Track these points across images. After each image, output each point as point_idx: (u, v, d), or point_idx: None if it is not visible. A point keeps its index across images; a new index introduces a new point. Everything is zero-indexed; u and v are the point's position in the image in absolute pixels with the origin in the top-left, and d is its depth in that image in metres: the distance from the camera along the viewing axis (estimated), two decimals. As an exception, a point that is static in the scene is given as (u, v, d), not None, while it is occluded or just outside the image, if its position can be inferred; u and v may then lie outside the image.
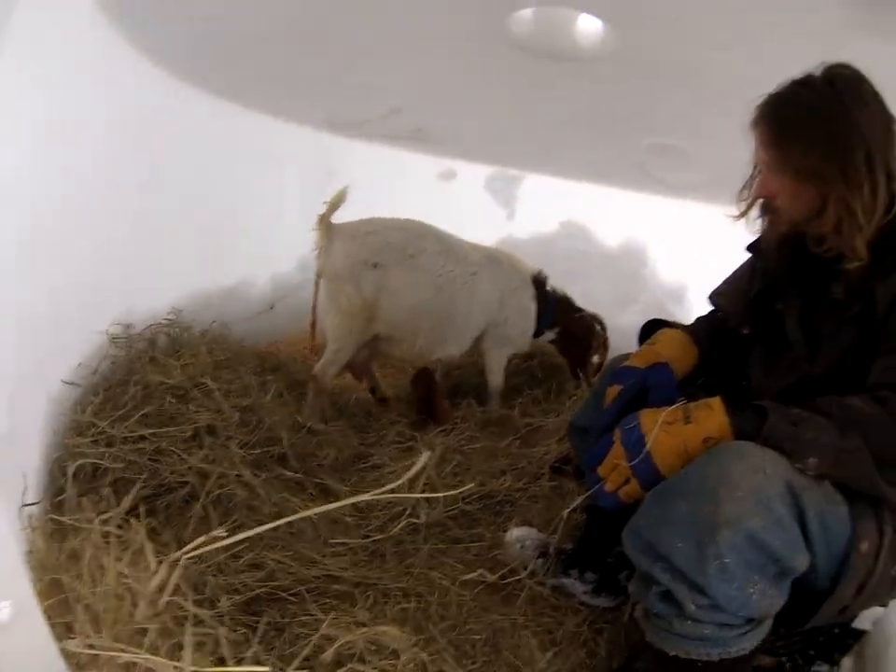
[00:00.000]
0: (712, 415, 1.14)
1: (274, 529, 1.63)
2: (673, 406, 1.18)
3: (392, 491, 1.17)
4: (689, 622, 1.05)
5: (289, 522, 1.67)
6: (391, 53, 2.24)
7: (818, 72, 1.19)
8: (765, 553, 1.01)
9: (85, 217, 1.88)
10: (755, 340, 1.41)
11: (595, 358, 2.70)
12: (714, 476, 1.04)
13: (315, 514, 1.54)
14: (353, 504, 1.83)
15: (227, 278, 2.83)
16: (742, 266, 1.54)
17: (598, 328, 2.72)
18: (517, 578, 1.59)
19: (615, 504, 1.22)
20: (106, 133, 1.98)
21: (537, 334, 2.68)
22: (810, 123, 1.16)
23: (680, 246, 3.03)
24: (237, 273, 2.89)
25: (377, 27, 2.07)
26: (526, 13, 2.00)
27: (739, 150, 1.28)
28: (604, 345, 2.72)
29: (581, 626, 1.49)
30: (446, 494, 1.64)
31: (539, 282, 2.66)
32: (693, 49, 1.85)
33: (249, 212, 2.87)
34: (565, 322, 2.70)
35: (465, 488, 1.66)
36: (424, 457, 1.20)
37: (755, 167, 1.29)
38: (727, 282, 1.58)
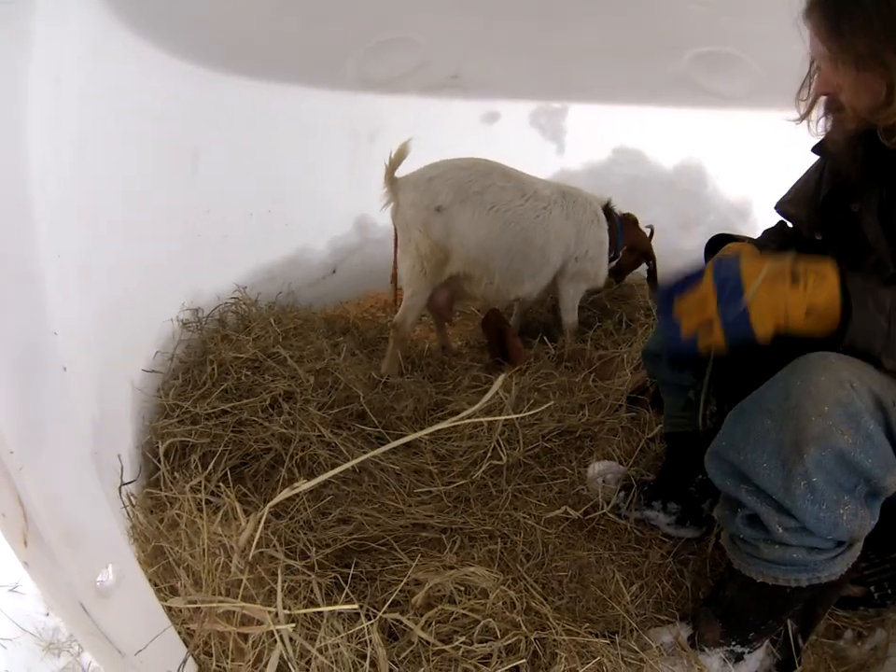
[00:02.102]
0: (824, 285, 1.01)
1: (359, 484, 1.71)
2: (779, 259, 1.03)
3: (469, 416, 1.15)
4: (776, 546, 1.03)
5: (373, 476, 1.75)
6: (416, 3, 2.17)
7: None
8: (855, 472, 0.96)
9: (141, 215, 1.94)
10: (829, 246, 1.31)
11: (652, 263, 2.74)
12: (798, 390, 0.98)
13: (380, 454, 1.55)
14: (434, 452, 1.89)
15: (287, 249, 2.88)
16: (809, 170, 1.43)
17: (650, 233, 2.75)
18: (600, 513, 1.60)
19: (690, 351, 1.10)
20: (153, 130, 2.02)
21: (611, 260, 2.64)
22: (868, 4, 1.03)
23: (740, 160, 2.85)
24: (296, 242, 2.94)
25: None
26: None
27: (792, 47, 1.16)
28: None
29: (666, 558, 1.48)
30: (520, 415, 1.63)
31: (608, 212, 2.61)
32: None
33: (299, 182, 2.89)
34: (632, 241, 2.67)
35: (540, 408, 1.62)
36: (499, 380, 1.17)
37: (812, 62, 1.18)
38: (794, 188, 1.47)
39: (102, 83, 1.77)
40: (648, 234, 2.76)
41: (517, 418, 1.65)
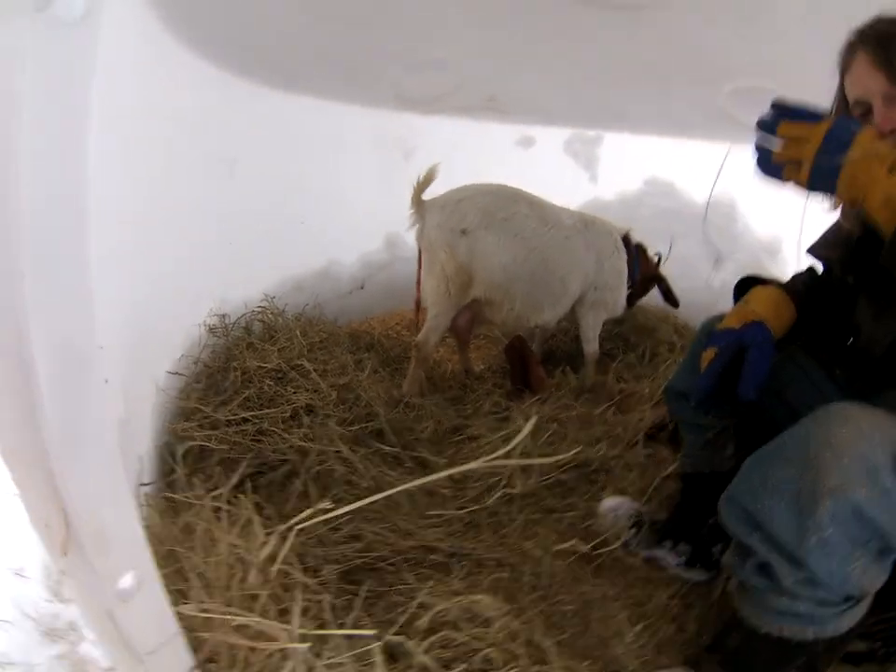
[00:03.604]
0: None
1: (372, 502, 1.72)
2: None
3: (493, 460, 1.17)
4: (785, 597, 1.02)
5: (387, 495, 1.77)
6: (453, 24, 2.22)
7: None
8: (869, 528, 0.95)
9: (173, 219, 2.00)
10: (861, 288, 1.31)
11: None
12: (818, 441, 0.98)
13: (414, 487, 1.59)
14: (449, 475, 1.90)
15: (316, 261, 2.94)
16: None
17: (657, 260, 2.80)
18: (609, 548, 1.59)
19: (774, 173, 1.10)
20: (180, 140, 2.08)
21: (628, 289, 2.69)
22: None
23: (772, 198, 2.83)
24: (326, 255, 3.00)
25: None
26: (587, -38, 1.91)
27: (829, 84, 1.18)
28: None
29: (672, 600, 1.47)
30: (542, 461, 1.64)
31: (626, 242, 2.65)
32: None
33: (332, 196, 2.96)
34: (643, 270, 2.71)
35: (563, 456, 1.65)
36: (528, 425, 1.18)
37: (839, 107, 1.19)
38: (826, 233, 1.47)
39: (150, 91, 1.84)
40: (656, 262, 2.81)
41: (540, 463, 1.65)
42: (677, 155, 3.04)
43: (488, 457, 0.95)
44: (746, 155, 2.78)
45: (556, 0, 1.96)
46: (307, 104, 2.72)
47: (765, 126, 1.10)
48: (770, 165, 1.09)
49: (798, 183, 1.07)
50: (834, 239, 1.41)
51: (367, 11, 2.10)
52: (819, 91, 1.16)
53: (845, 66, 1.17)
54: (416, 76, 2.68)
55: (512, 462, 1.70)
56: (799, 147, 1.05)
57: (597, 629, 1.37)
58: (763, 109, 1.13)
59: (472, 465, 1.14)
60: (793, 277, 1.53)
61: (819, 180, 1.04)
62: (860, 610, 1.03)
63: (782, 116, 1.09)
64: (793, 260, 1.58)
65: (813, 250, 1.49)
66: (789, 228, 2.49)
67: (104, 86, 1.54)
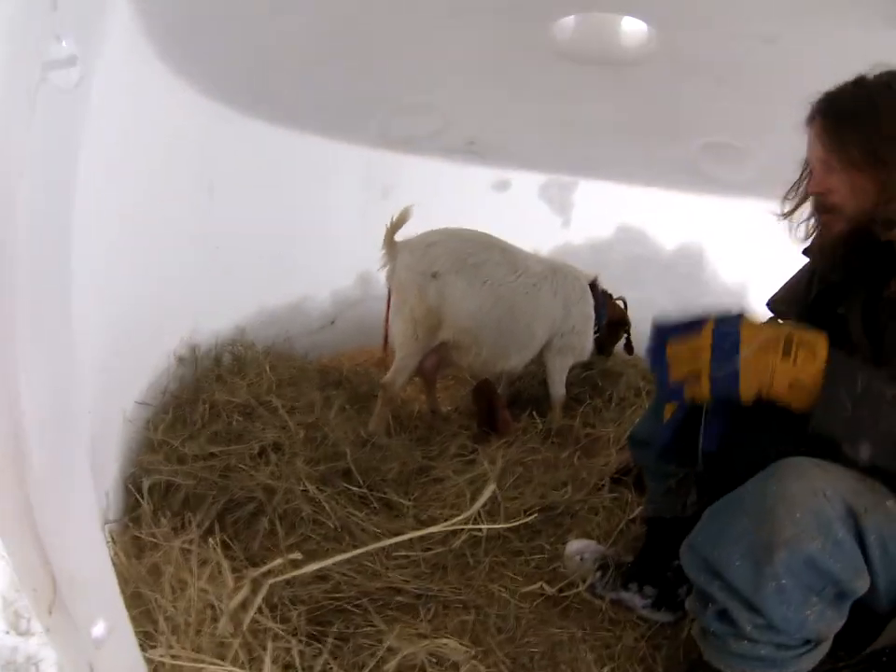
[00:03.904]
0: (812, 363, 1.05)
1: (339, 542, 1.72)
2: (777, 328, 1.09)
3: (459, 522, 1.18)
4: (745, 641, 1.05)
5: (353, 535, 1.76)
6: (439, 69, 2.30)
7: (871, 75, 1.18)
8: (824, 576, 0.99)
9: (148, 246, 1.99)
10: None
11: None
12: (773, 495, 1.03)
13: (387, 545, 1.58)
14: (416, 517, 1.90)
15: (288, 296, 2.95)
16: (801, 270, 1.49)
17: (623, 305, 2.87)
18: (576, 591, 1.60)
19: (677, 397, 1.15)
20: (163, 165, 2.09)
21: (594, 333, 2.73)
22: (869, 113, 1.15)
23: (739, 247, 2.97)
24: (298, 290, 3.01)
25: (424, 44, 2.13)
26: (569, 20, 2.01)
27: (795, 143, 1.28)
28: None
29: (640, 641, 1.48)
30: (507, 525, 1.66)
31: (593, 287, 2.71)
32: (739, 43, 1.82)
33: (308, 230, 2.98)
34: (609, 315, 2.77)
35: (525, 519, 1.67)
36: (489, 489, 1.20)
37: (805, 167, 1.28)
38: (785, 287, 1.53)
39: (133, 117, 1.84)
40: (622, 307, 2.88)
41: (503, 528, 1.67)
42: (648, 203, 3.16)
43: (458, 518, 0.97)
44: (715, 206, 2.91)
45: (540, 53, 2.05)
46: (290, 136, 2.76)
47: (654, 353, 1.17)
48: (669, 388, 1.14)
49: (701, 397, 1.12)
50: (792, 297, 1.48)
51: (361, 53, 2.17)
52: (784, 150, 1.26)
53: (806, 128, 1.27)
54: (402, 117, 2.76)
55: (482, 527, 1.71)
56: (692, 361, 1.11)
57: (566, 671, 1.38)
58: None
59: (438, 528, 1.15)
60: (757, 325, 1.59)
61: (721, 387, 1.09)
62: (819, 653, 1.07)
63: (665, 338, 1.15)
64: (758, 309, 1.64)
65: (771, 304, 1.56)
66: (754, 276, 2.61)
67: (90, 112, 1.56)
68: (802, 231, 1.35)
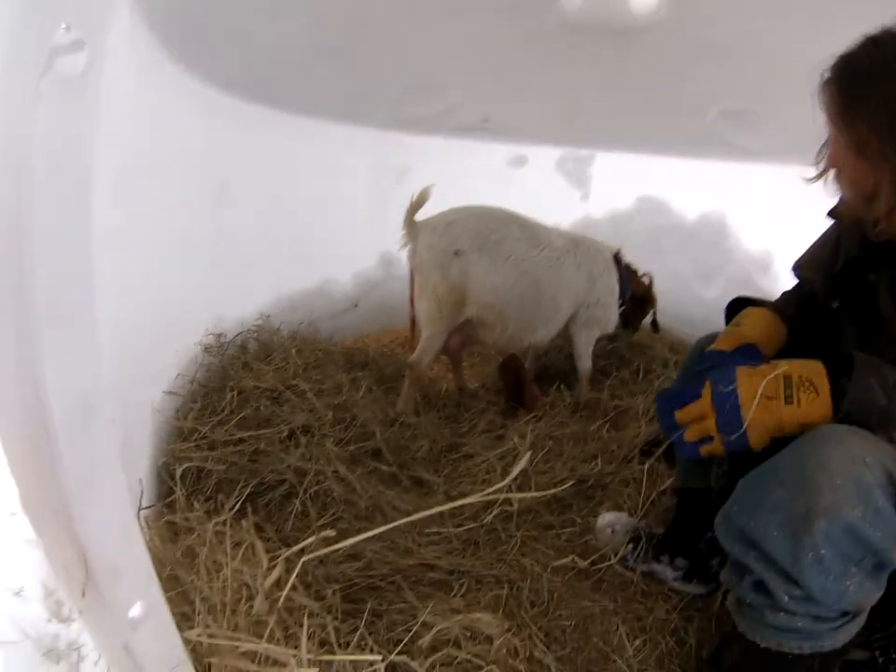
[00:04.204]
0: (816, 402, 1.07)
1: (370, 521, 1.73)
2: (773, 373, 1.10)
3: (493, 492, 1.19)
4: (782, 613, 1.03)
5: (384, 514, 1.78)
6: (450, 47, 2.27)
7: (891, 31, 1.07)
8: (863, 545, 0.97)
9: (170, 238, 2.01)
10: (845, 315, 1.33)
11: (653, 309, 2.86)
12: (812, 463, 1.00)
13: (419, 518, 1.60)
14: (447, 494, 1.91)
15: (310, 280, 2.96)
16: (826, 232, 1.45)
17: (648, 281, 2.83)
18: (607, 563, 1.61)
19: (694, 455, 1.18)
20: (181, 158, 2.10)
21: (619, 306, 2.72)
22: (879, 92, 1.05)
23: (762, 213, 2.89)
24: (320, 274, 3.02)
25: (433, 22, 2.09)
26: (579, -12, 1.96)
27: (814, 108, 1.19)
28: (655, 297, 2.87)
29: (671, 614, 1.48)
30: (542, 494, 1.65)
31: (617, 260, 2.68)
32: (754, 9, 1.75)
33: (326, 214, 2.98)
34: (634, 289, 2.75)
35: (560, 489, 1.66)
36: (524, 460, 1.20)
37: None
38: (811, 251, 1.49)
39: (146, 112, 1.85)
40: (647, 283, 2.84)
41: (537, 496, 1.67)
42: (667, 173, 3.09)
43: (491, 489, 0.97)
44: (736, 173, 2.84)
45: (551, 26, 2.01)
46: (303, 123, 2.75)
47: (665, 422, 1.22)
48: (692, 450, 1.18)
49: (716, 453, 1.15)
50: (818, 262, 1.43)
51: (367, 34, 2.14)
52: (804, 115, 1.19)
53: (820, 95, 1.18)
54: (413, 97, 2.73)
55: (514, 495, 1.71)
56: (701, 426, 1.15)
57: (598, 644, 1.39)
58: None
59: (475, 498, 1.15)
60: (784, 296, 1.55)
61: (733, 447, 1.12)
62: (856, 625, 1.05)
63: (670, 407, 1.20)
64: (784, 276, 1.60)
65: (797, 269, 1.52)
66: (779, 243, 2.55)
67: (101, 109, 1.56)
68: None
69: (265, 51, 2.20)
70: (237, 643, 0.90)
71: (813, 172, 1.27)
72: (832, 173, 1.23)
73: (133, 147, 1.77)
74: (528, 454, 1.10)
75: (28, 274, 0.58)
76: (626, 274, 2.70)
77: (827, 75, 1.12)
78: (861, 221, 1.19)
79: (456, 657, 1.22)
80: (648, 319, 2.89)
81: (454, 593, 1.50)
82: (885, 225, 1.10)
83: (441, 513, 1.80)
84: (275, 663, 0.92)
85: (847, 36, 1.09)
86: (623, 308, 2.73)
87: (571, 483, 1.89)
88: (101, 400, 0.65)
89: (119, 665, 0.62)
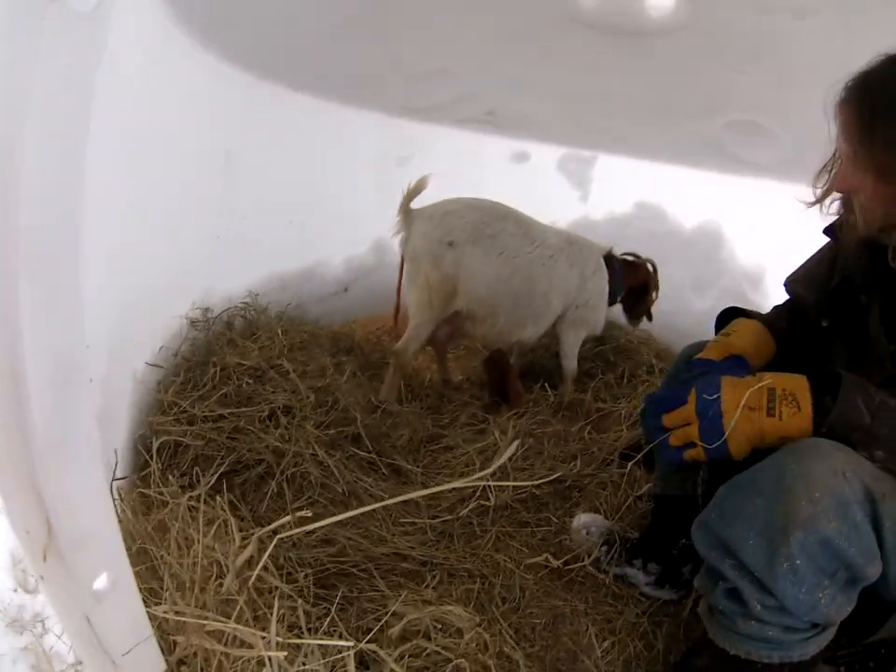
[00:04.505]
0: (798, 417, 1.08)
1: (346, 507, 1.72)
2: (757, 385, 1.11)
3: (473, 480, 1.18)
4: (753, 622, 1.04)
5: (360, 500, 1.76)
6: (461, 37, 2.24)
7: None
8: (838, 559, 0.97)
9: (164, 209, 1.98)
10: (835, 334, 1.33)
11: (654, 296, 2.79)
12: (792, 475, 1.01)
13: (394, 503, 1.60)
14: (423, 484, 1.90)
15: (302, 261, 2.93)
16: (821, 250, 1.44)
17: (651, 268, 2.78)
18: (580, 564, 1.60)
19: (678, 459, 1.20)
20: (181, 130, 2.06)
21: (610, 304, 2.71)
22: None
23: (759, 227, 2.90)
24: (312, 256, 2.98)
25: (444, 11, 2.07)
26: (595, -13, 1.94)
27: (824, 127, 1.16)
28: (657, 284, 2.79)
29: (641, 618, 1.49)
30: (522, 484, 1.66)
31: (609, 259, 2.67)
32: (771, 18, 1.74)
33: (323, 197, 2.95)
34: (630, 282, 2.72)
35: (541, 480, 1.67)
36: (511, 448, 1.20)
37: (836, 152, 1.18)
38: (804, 268, 1.49)
39: (150, 82, 1.82)
40: (650, 270, 2.80)
41: (526, 485, 1.67)
42: (668, 180, 3.09)
43: (474, 476, 0.96)
44: (736, 186, 2.84)
45: (564, 22, 1.99)
46: (306, 102, 2.71)
47: (651, 425, 1.24)
48: (675, 454, 1.19)
49: (699, 459, 1.16)
50: (811, 279, 1.43)
51: (378, 18, 2.11)
52: (811, 133, 1.17)
53: (835, 115, 1.15)
54: (419, 85, 2.70)
55: (494, 482, 1.71)
56: (685, 431, 1.16)
57: (567, 643, 1.39)
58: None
59: (450, 485, 1.15)
60: (776, 310, 1.56)
61: (714, 455, 1.13)
62: (825, 638, 1.06)
63: (658, 411, 1.21)
64: (775, 293, 1.61)
65: (789, 284, 1.52)
66: (773, 258, 2.55)
67: (105, 76, 1.53)
68: (833, 209, 1.29)
69: (277, 27, 2.16)
70: (204, 622, 0.89)
71: (810, 195, 1.26)
72: (832, 195, 1.22)
73: (133, 113, 1.74)
74: (516, 442, 1.09)
75: (13, 224, 0.56)
76: (619, 271, 2.68)
77: (845, 94, 1.09)
78: (867, 244, 1.18)
79: (426, 648, 1.22)
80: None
81: (426, 584, 1.50)
82: None
83: (417, 504, 1.79)
84: (243, 644, 0.90)
85: (869, 51, 1.07)
86: (620, 302, 2.72)
87: (550, 479, 1.89)
88: (79, 361, 0.63)
89: (80, 636, 0.60)
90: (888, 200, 1.07)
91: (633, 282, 2.75)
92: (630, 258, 2.79)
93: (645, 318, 2.87)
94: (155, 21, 1.84)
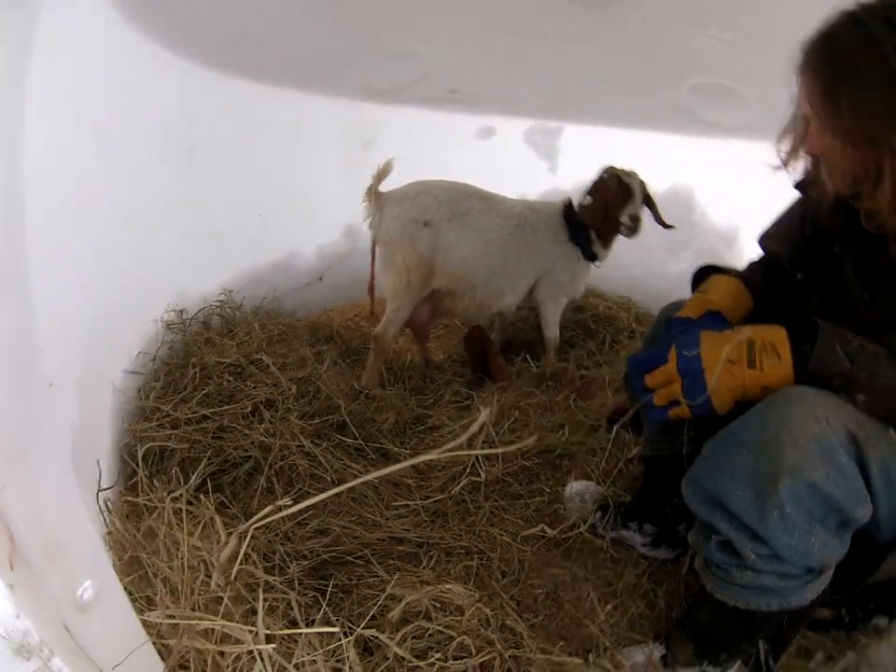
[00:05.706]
0: (779, 366, 1.08)
1: (337, 496, 1.70)
2: (737, 339, 1.11)
3: (452, 450, 1.17)
4: (749, 571, 1.05)
5: (352, 488, 1.75)
6: (418, 15, 2.19)
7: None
8: (827, 503, 0.98)
9: (129, 210, 1.94)
10: (811, 286, 1.33)
11: (629, 210, 2.46)
12: (775, 424, 1.01)
13: (376, 478, 1.59)
14: (413, 466, 1.89)
15: (274, 253, 2.88)
16: (792, 205, 1.44)
17: (623, 180, 2.47)
18: (577, 531, 1.61)
19: (663, 418, 1.21)
20: (143, 128, 2.02)
21: (586, 254, 2.54)
22: (865, 76, 0.97)
23: (729, 188, 2.89)
24: (284, 247, 2.94)
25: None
26: (552, -45, 1.90)
27: (789, 87, 1.12)
28: (645, 193, 2.53)
29: (641, 578, 1.50)
30: (504, 450, 1.65)
31: (567, 213, 2.53)
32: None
33: (290, 186, 2.90)
34: (591, 218, 2.48)
35: (523, 444, 1.66)
36: (483, 415, 1.19)
37: (796, 114, 1.14)
38: (777, 224, 1.48)
39: (100, 76, 1.77)
40: (616, 181, 2.48)
41: (502, 452, 1.66)
42: (636, 147, 3.05)
43: (448, 446, 0.95)
44: (704, 148, 2.78)
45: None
46: (267, 91, 2.65)
47: (635, 386, 1.25)
48: (660, 413, 1.20)
49: (684, 416, 1.17)
50: (784, 234, 1.43)
51: (335, 2, 2.06)
52: (778, 93, 1.15)
53: (797, 78, 1.10)
54: (381, 66, 2.65)
55: (474, 452, 1.71)
56: (668, 390, 1.17)
57: (570, 610, 1.39)
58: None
59: (432, 455, 1.13)
60: (751, 266, 1.55)
61: (699, 411, 1.14)
62: (821, 582, 1.07)
63: (640, 371, 1.22)
64: (750, 251, 1.61)
65: (763, 240, 1.51)
66: (745, 217, 2.54)
67: (60, 73, 1.48)
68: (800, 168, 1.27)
69: (231, 17, 2.10)
70: (194, 622, 0.87)
71: (775, 157, 1.24)
72: (798, 153, 1.21)
73: (93, 110, 1.69)
74: (486, 410, 1.08)
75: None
76: (580, 217, 2.49)
77: (805, 57, 1.05)
78: (839, 202, 1.16)
79: (428, 629, 1.21)
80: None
81: (423, 565, 1.50)
82: (890, 218, 1.04)
83: (409, 486, 1.79)
84: (233, 640, 0.89)
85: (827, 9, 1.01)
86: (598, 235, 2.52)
87: (536, 452, 1.90)
88: (30, 363, 0.60)
89: (60, 644, 0.58)
90: (856, 163, 1.05)
91: (594, 214, 2.47)
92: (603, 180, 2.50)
93: (663, 227, 2.57)
94: (107, 17, 1.78)
